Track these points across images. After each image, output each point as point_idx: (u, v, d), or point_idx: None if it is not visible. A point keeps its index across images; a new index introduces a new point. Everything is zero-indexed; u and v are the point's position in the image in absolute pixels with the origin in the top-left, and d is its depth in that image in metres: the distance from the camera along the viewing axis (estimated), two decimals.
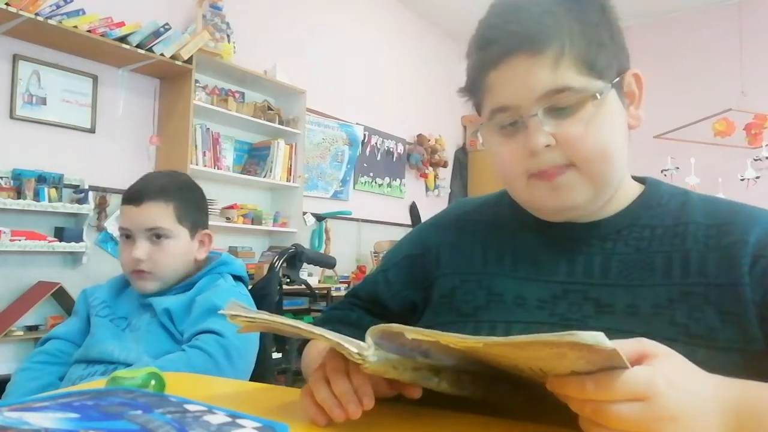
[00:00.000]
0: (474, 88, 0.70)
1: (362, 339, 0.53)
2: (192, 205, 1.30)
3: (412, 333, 0.49)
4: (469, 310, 0.71)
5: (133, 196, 1.24)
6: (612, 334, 0.42)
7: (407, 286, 0.80)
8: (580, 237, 0.69)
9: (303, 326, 0.54)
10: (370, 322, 0.71)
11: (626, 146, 0.68)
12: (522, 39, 0.62)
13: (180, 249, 1.26)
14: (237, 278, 1.32)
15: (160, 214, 1.23)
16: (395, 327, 0.51)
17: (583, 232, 0.69)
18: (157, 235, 1.23)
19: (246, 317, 0.58)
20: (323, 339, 0.52)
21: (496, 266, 0.73)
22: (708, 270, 0.62)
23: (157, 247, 1.23)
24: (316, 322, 0.83)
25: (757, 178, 4.47)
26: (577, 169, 0.64)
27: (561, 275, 0.68)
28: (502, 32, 0.64)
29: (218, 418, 0.43)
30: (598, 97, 0.62)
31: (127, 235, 1.24)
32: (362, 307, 0.83)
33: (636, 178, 0.75)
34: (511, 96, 0.64)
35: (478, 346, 0.45)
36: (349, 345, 0.50)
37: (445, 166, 5.79)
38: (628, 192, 0.72)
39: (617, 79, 0.65)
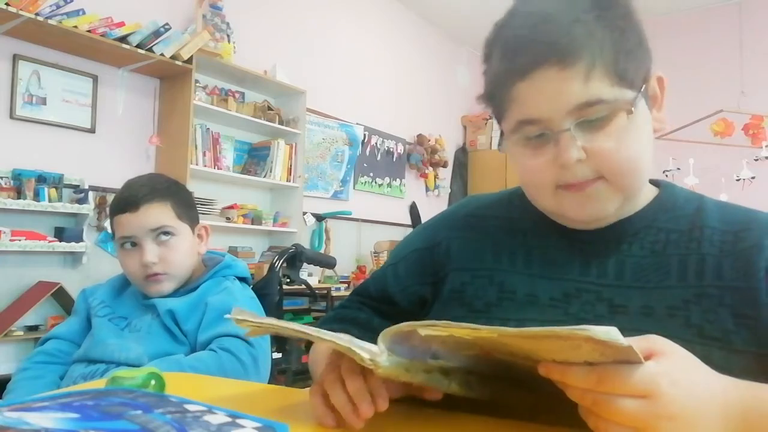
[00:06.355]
0: (497, 98, 0.67)
1: (371, 341, 0.53)
2: (185, 202, 1.31)
3: (425, 328, 0.49)
4: (480, 306, 0.70)
5: (128, 203, 1.22)
6: (626, 333, 0.42)
7: (417, 280, 0.78)
8: (594, 238, 0.69)
9: (312, 331, 0.53)
10: (379, 324, 0.71)
11: (652, 152, 0.66)
12: (553, 50, 0.59)
13: (186, 245, 1.27)
14: (241, 280, 1.33)
15: (160, 213, 1.23)
16: (405, 326, 0.51)
17: (598, 233, 0.68)
18: (164, 233, 1.23)
19: (253, 322, 0.57)
20: (334, 344, 0.52)
21: (508, 263, 0.72)
22: (723, 273, 0.62)
23: (165, 248, 1.23)
24: (325, 321, 0.83)
25: (753, 178, 4.46)
26: (606, 181, 0.63)
27: (574, 274, 0.68)
28: (532, 42, 0.61)
29: (218, 418, 0.43)
30: (633, 110, 0.61)
31: (133, 243, 1.23)
32: (371, 305, 0.82)
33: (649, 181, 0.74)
34: (541, 109, 0.61)
35: (493, 337, 0.46)
36: (361, 351, 0.50)
37: (445, 166, 5.79)
38: (644, 195, 0.71)
39: (644, 86, 0.64)
